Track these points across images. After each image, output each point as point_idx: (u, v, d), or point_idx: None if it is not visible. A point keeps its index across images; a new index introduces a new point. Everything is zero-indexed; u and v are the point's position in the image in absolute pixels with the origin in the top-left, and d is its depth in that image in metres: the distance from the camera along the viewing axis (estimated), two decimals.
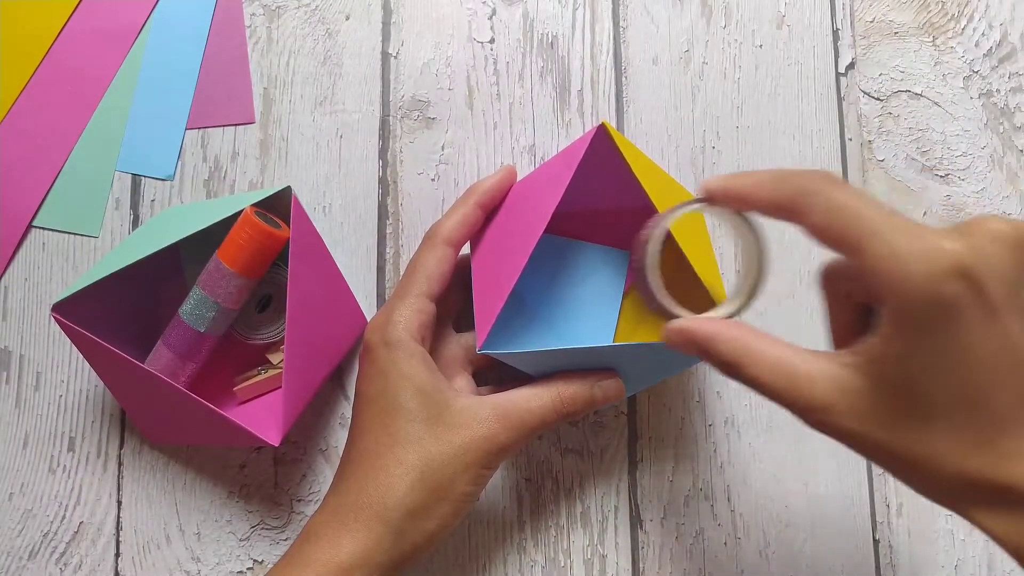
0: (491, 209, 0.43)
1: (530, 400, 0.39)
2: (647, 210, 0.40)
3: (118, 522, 0.45)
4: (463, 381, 0.43)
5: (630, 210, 0.41)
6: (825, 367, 0.30)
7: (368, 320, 0.47)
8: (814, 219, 0.29)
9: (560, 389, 0.39)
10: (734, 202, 0.33)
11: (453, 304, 0.45)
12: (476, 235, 0.43)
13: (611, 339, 0.44)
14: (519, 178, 0.44)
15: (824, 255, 0.31)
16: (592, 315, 0.44)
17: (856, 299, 0.33)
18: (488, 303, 0.39)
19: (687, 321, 0.33)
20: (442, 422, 0.38)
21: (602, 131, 0.39)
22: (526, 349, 0.39)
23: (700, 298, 0.40)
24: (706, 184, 0.33)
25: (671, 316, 0.34)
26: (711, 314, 0.35)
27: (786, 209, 0.30)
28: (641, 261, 0.35)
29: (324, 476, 0.46)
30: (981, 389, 0.27)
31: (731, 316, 0.34)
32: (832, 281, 0.33)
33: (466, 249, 0.44)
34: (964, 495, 0.28)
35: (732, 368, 0.31)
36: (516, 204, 0.42)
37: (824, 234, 0.29)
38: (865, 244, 0.27)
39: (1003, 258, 0.27)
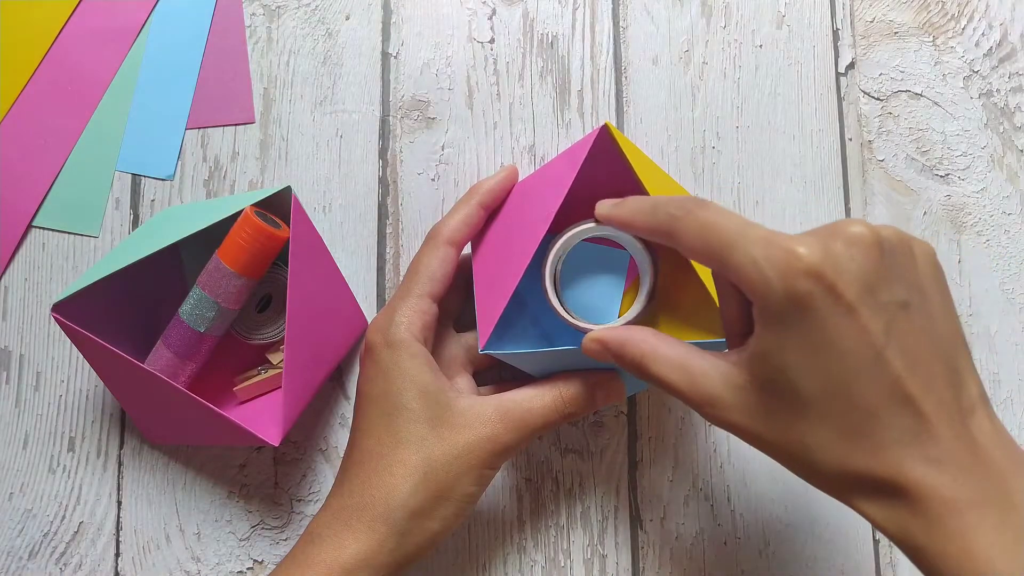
0: (493, 209, 0.43)
1: (532, 400, 0.39)
2: None
3: (118, 522, 0.45)
4: (464, 381, 0.43)
5: None
6: (717, 364, 0.32)
7: (368, 320, 0.47)
8: (685, 240, 0.32)
9: (562, 389, 0.40)
10: (620, 227, 0.36)
11: (454, 304, 0.45)
12: (477, 235, 0.43)
13: None
14: (521, 178, 0.44)
15: None
16: (593, 315, 0.44)
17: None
18: (490, 303, 0.39)
19: (601, 331, 0.36)
20: (444, 423, 0.38)
21: (605, 132, 0.39)
22: (528, 349, 0.39)
23: (703, 301, 0.40)
24: (597, 209, 0.37)
25: (581, 329, 0.38)
26: (615, 323, 0.39)
27: (662, 233, 0.33)
28: (542, 280, 0.40)
29: (324, 476, 0.46)
30: (845, 382, 0.29)
31: (630, 322, 0.39)
32: (722, 281, 0.35)
33: (466, 250, 0.44)
34: (846, 486, 0.30)
35: (639, 367, 0.34)
36: (518, 204, 0.42)
37: (695, 253, 0.32)
38: (727, 256, 0.30)
39: (858, 259, 0.29)
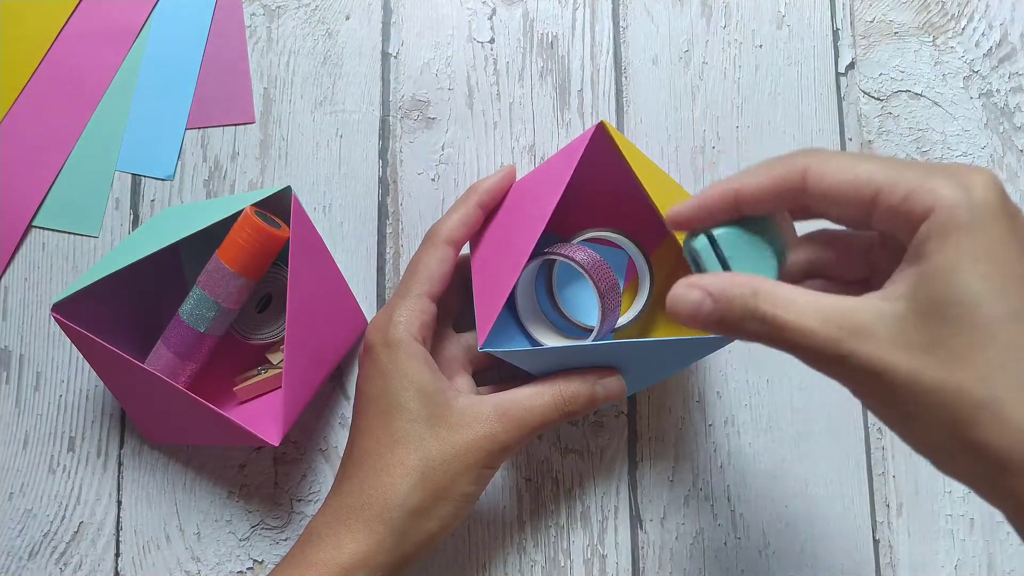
0: (491, 209, 0.43)
1: (531, 399, 0.39)
2: (647, 209, 0.40)
3: (118, 522, 0.45)
4: (463, 381, 0.43)
5: (630, 209, 0.41)
6: (858, 300, 0.27)
7: (368, 320, 0.47)
8: (825, 184, 0.28)
9: (561, 387, 0.39)
10: (729, 204, 0.31)
11: (453, 304, 0.45)
12: (476, 234, 0.43)
13: (611, 337, 0.44)
14: (519, 177, 0.44)
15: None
16: (592, 314, 0.44)
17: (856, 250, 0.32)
18: (489, 302, 0.39)
19: (694, 278, 0.29)
20: (443, 422, 0.38)
21: (601, 130, 0.39)
22: (527, 347, 0.39)
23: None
24: (704, 202, 0.31)
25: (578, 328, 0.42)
26: (627, 319, 0.43)
27: (789, 188, 0.29)
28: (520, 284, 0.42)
29: (324, 476, 0.46)
30: None
31: (630, 321, 0.42)
32: (831, 241, 0.32)
33: (465, 249, 0.44)
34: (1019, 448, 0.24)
35: (751, 310, 0.28)
36: (516, 203, 0.42)
37: (836, 194, 0.28)
38: (888, 190, 0.27)
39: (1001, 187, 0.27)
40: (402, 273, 0.48)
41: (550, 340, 0.44)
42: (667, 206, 0.36)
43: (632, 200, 0.40)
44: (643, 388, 0.44)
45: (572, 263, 0.39)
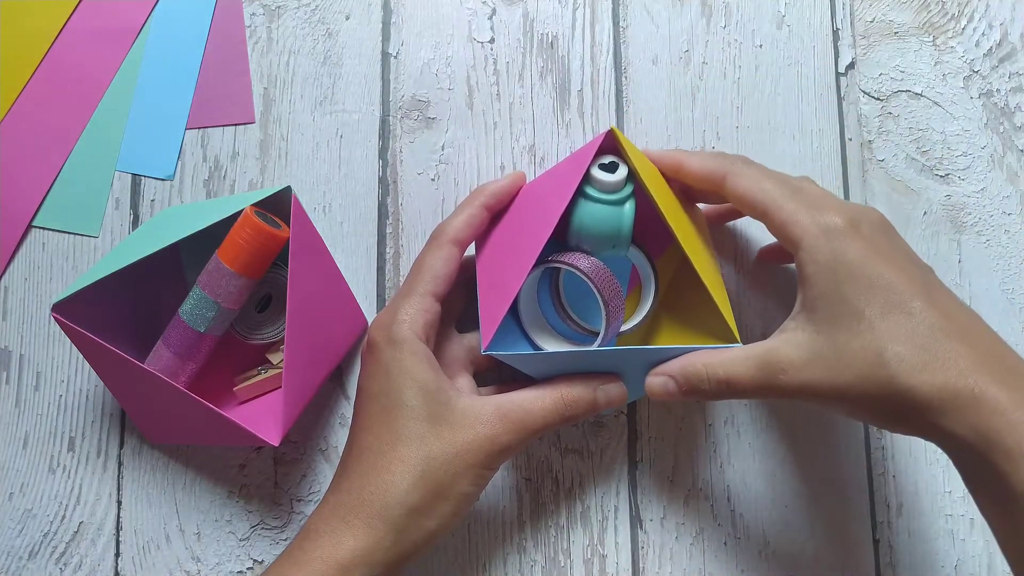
0: (497, 211, 0.43)
1: (533, 402, 0.39)
2: (652, 215, 0.40)
3: (118, 522, 0.45)
4: (465, 381, 0.43)
5: (637, 216, 0.41)
6: (775, 338, 0.37)
7: (368, 320, 0.47)
8: (735, 191, 0.39)
9: (563, 391, 0.39)
10: (670, 169, 0.41)
11: (457, 304, 0.45)
12: (481, 236, 0.43)
13: (615, 343, 0.44)
14: (528, 180, 0.44)
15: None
16: (597, 318, 0.44)
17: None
18: (493, 305, 0.39)
19: (660, 367, 0.39)
20: (444, 421, 0.38)
21: (611, 136, 0.39)
22: (529, 352, 0.39)
23: (707, 307, 0.40)
24: (659, 156, 0.42)
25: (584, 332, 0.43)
26: (630, 325, 0.43)
27: (713, 181, 0.40)
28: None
29: (324, 476, 0.46)
30: (892, 286, 0.35)
31: (636, 324, 0.43)
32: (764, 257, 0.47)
33: (470, 250, 0.44)
34: (926, 405, 0.33)
35: (709, 378, 0.37)
36: (523, 207, 0.42)
37: (741, 202, 0.39)
38: (773, 214, 0.38)
39: (875, 217, 0.38)
40: (402, 273, 0.48)
41: (551, 345, 0.44)
42: (672, 213, 0.38)
43: (638, 206, 0.40)
44: (644, 395, 0.44)
45: (576, 271, 0.39)
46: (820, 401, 0.35)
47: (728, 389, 0.37)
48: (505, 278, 0.39)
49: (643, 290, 0.44)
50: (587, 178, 0.40)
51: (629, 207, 0.40)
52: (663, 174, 0.42)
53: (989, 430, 0.32)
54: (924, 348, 0.33)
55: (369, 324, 0.43)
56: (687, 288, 0.43)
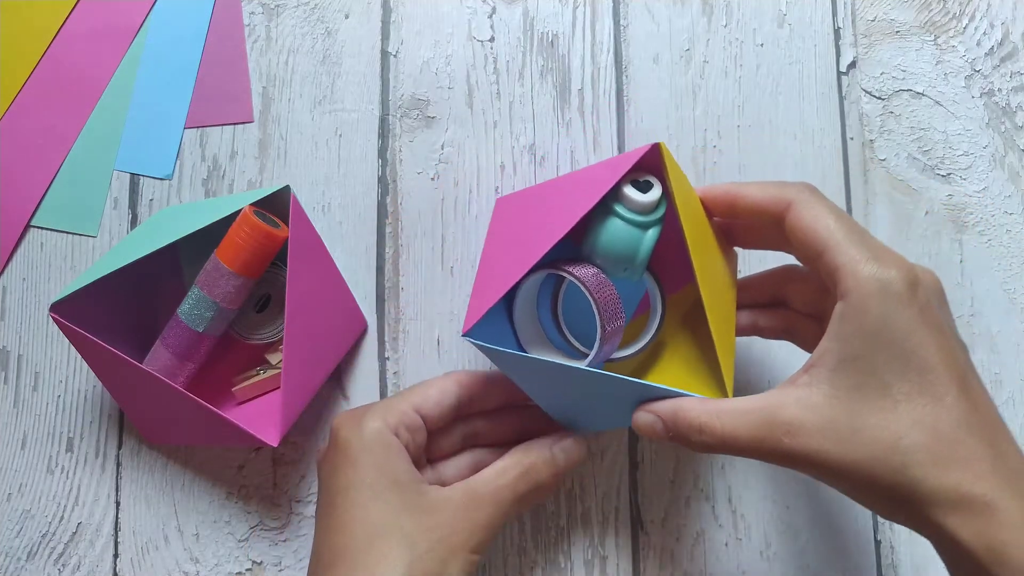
0: (501, 406, 0.42)
1: (497, 477, 0.38)
2: (678, 246, 0.37)
3: (116, 523, 0.45)
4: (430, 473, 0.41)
5: (661, 244, 0.38)
6: (785, 392, 0.33)
7: (367, 320, 0.47)
8: (797, 224, 0.35)
9: (520, 457, 0.39)
10: (723, 205, 0.38)
11: (444, 444, 0.42)
12: (495, 224, 0.42)
13: (603, 367, 0.41)
14: (535, 183, 0.42)
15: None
16: (592, 340, 0.40)
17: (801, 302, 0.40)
18: (486, 292, 0.38)
19: (651, 405, 0.36)
20: (420, 510, 0.36)
21: (655, 151, 0.36)
22: (508, 349, 0.37)
23: (712, 367, 0.39)
24: (709, 191, 0.39)
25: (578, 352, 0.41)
26: (625, 352, 0.41)
27: (772, 211, 0.36)
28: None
29: None
30: (929, 367, 0.31)
31: (638, 351, 0.41)
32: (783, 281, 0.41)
33: (477, 252, 0.43)
34: (933, 501, 0.30)
35: (700, 429, 0.34)
36: (543, 204, 0.40)
37: (798, 237, 0.35)
38: (830, 255, 0.33)
39: (933, 281, 0.34)
40: (402, 273, 0.48)
41: (541, 356, 0.41)
42: (700, 249, 0.37)
43: (666, 234, 0.38)
44: (628, 425, 0.40)
45: (577, 282, 0.37)
46: (820, 473, 0.32)
47: (721, 445, 0.33)
48: (505, 271, 0.38)
49: (649, 320, 0.42)
50: (616, 191, 0.37)
51: (652, 233, 0.37)
52: (712, 211, 0.39)
53: (997, 542, 0.29)
54: (944, 442, 0.31)
55: (336, 417, 0.40)
56: (698, 327, 0.40)
